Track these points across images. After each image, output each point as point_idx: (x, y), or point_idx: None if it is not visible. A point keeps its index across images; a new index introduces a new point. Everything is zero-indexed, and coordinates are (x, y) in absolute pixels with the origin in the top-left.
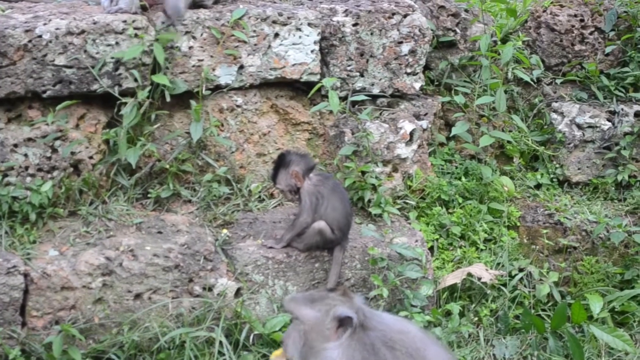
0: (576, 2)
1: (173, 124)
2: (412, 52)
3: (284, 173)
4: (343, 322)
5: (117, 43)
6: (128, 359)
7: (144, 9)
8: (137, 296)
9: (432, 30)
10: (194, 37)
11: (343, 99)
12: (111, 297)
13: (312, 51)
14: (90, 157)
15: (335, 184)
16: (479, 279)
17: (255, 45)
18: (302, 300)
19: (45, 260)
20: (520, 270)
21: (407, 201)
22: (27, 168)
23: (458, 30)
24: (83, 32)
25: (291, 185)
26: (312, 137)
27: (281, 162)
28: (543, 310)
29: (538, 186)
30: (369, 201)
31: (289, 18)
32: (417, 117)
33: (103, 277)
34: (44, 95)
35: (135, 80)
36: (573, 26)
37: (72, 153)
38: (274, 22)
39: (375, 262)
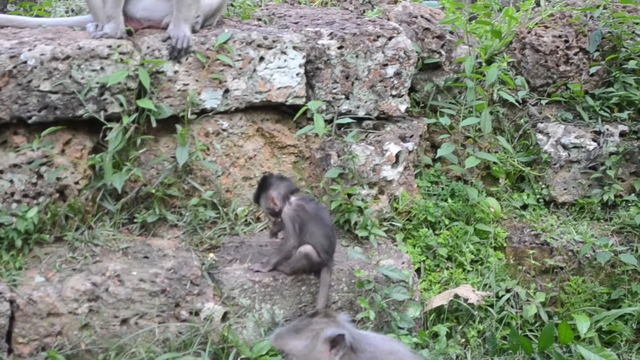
0: (560, 23)
1: (159, 148)
2: (398, 74)
3: (264, 196)
4: (335, 342)
5: (102, 68)
6: None
7: (129, 33)
8: (124, 321)
9: (417, 52)
10: (179, 62)
11: (329, 121)
12: (97, 322)
13: (297, 74)
14: (76, 183)
15: (317, 206)
16: (466, 300)
17: (240, 69)
18: (287, 334)
19: (31, 286)
20: (507, 291)
21: (393, 223)
22: (12, 194)
23: (443, 52)
24: (68, 57)
25: (270, 209)
26: (298, 160)
27: (262, 185)
28: (530, 330)
29: (524, 207)
30: (356, 224)
31: (274, 42)
32: (403, 139)
33: (89, 303)
34: (30, 121)
35: (121, 105)
36: (558, 47)
37: (58, 179)
38: (259, 45)
39: (361, 285)
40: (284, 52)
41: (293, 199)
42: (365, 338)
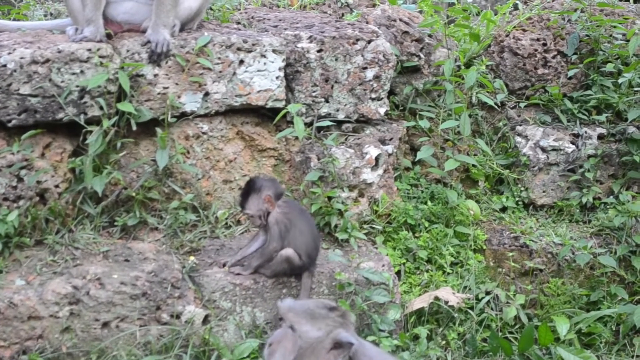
0: (539, 26)
1: (139, 151)
2: (377, 77)
3: (256, 198)
4: (339, 345)
5: (82, 71)
6: None
7: (108, 37)
8: (105, 325)
9: (396, 55)
10: (159, 65)
11: (308, 124)
12: (79, 326)
13: (277, 77)
14: (57, 186)
15: (302, 210)
16: (446, 302)
17: (220, 72)
18: (302, 313)
19: (12, 289)
20: (487, 293)
21: (373, 226)
22: None
23: (422, 55)
24: (48, 60)
25: (262, 211)
26: (278, 163)
27: (252, 187)
28: (510, 332)
29: (503, 209)
30: (336, 226)
31: (253, 45)
32: (383, 142)
33: (70, 306)
34: (9, 125)
35: (101, 108)
36: (536, 50)
37: (38, 182)
38: (239, 49)
39: (342, 287)
40: (263, 56)
41: (281, 202)
42: (363, 347)
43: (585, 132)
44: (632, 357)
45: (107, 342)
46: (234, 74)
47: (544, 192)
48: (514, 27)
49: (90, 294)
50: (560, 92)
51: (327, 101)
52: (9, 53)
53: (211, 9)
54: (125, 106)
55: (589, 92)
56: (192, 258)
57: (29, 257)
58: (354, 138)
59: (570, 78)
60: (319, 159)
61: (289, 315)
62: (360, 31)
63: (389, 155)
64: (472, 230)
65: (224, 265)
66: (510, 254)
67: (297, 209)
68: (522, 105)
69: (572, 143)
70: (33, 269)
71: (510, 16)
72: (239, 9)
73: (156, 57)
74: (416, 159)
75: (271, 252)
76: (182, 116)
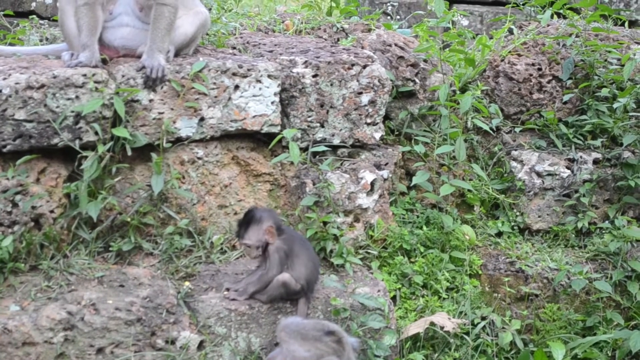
0: (534, 51)
1: (134, 176)
2: (372, 102)
3: (256, 229)
4: None
5: (77, 97)
6: None
7: (104, 62)
8: (100, 350)
9: (391, 80)
10: (154, 91)
11: (304, 149)
12: (73, 351)
13: (272, 102)
14: (51, 211)
15: (301, 236)
16: (442, 328)
17: (215, 97)
18: (293, 332)
19: (6, 315)
20: (483, 318)
21: (369, 251)
22: None
23: (417, 80)
24: (43, 86)
25: (261, 242)
26: (273, 188)
27: (252, 218)
28: (506, 358)
29: (499, 234)
30: (331, 251)
31: (249, 70)
32: (378, 167)
33: (65, 332)
34: (4, 150)
35: (96, 133)
36: (531, 75)
37: (33, 207)
38: (234, 74)
39: (337, 313)
40: (259, 81)
41: (281, 230)
42: None
43: (581, 156)
44: None
45: None
46: (229, 99)
47: (539, 217)
48: (509, 52)
49: (85, 319)
50: (555, 116)
51: (322, 126)
52: (4, 78)
53: (207, 34)
54: (120, 131)
55: (584, 116)
56: (187, 283)
57: (23, 282)
58: (350, 163)
59: (565, 103)
60: (314, 184)
61: (281, 333)
62: (356, 56)
63: (385, 180)
64: (467, 255)
65: (228, 290)
66: (506, 279)
67: (296, 236)
68: (517, 130)
69: (568, 168)
70: (27, 295)
71: (505, 41)
72: (235, 34)
73: (151, 83)
74: (411, 184)
75: (270, 279)
76: (178, 141)
